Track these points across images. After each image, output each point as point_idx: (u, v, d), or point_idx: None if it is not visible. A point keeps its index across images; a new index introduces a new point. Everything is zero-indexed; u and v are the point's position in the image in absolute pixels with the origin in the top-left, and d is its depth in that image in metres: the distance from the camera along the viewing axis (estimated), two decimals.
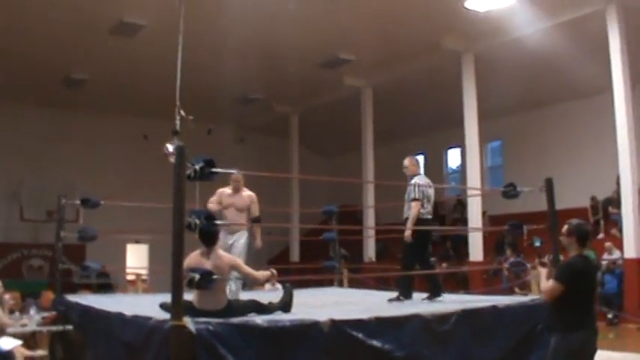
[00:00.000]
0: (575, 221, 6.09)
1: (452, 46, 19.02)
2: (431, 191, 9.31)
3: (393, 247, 21.88)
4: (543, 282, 6.02)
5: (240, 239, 9.25)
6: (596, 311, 6.19)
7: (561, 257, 7.55)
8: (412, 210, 8.94)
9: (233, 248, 8.96)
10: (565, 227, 6.05)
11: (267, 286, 13.84)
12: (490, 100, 19.61)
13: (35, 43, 18.28)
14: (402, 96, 22.84)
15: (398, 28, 17.80)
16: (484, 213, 20.77)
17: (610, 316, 15.60)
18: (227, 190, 9.42)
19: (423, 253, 9.27)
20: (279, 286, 12.14)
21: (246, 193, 9.46)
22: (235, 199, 9.34)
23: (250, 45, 18.71)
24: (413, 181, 9.18)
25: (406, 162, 9.49)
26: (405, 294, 9.01)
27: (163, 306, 6.78)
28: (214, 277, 6.28)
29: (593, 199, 19.46)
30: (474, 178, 19.05)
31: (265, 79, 22.49)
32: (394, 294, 9.17)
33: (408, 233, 8.90)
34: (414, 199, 8.99)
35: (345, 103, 23.58)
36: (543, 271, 6.13)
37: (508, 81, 19.90)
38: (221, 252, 6.86)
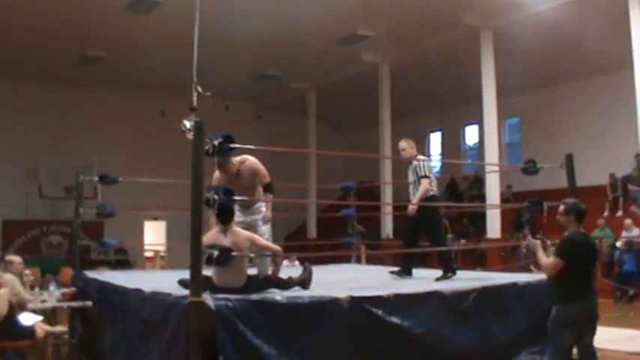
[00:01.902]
0: (571, 200, 6.55)
1: (471, 21, 18.87)
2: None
3: None
4: (543, 258, 6.40)
5: (258, 217, 8.01)
6: (595, 283, 6.52)
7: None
8: (422, 185, 8.81)
9: (252, 228, 7.69)
10: (562, 207, 6.45)
11: (285, 262, 13.85)
12: (508, 76, 19.48)
13: (52, 20, 18.28)
14: (420, 72, 22.70)
15: (416, 3, 17.67)
16: (509, 186, 20.80)
17: (631, 293, 15.54)
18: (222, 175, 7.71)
19: (439, 230, 9.25)
20: (296, 263, 12.13)
21: (245, 165, 7.75)
22: (236, 180, 7.58)
23: (267, 21, 18.66)
24: (419, 159, 9.11)
25: (404, 144, 9.29)
26: (452, 269, 8.89)
27: (182, 282, 6.78)
28: (233, 253, 6.27)
29: (611, 176, 19.32)
30: (492, 155, 18.93)
31: (282, 56, 22.43)
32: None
33: (412, 207, 8.77)
34: (425, 176, 8.90)
35: (362, 80, 23.49)
36: (539, 247, 6.51)
37: (526, 57, 19.77)
38: (238, 228, 6.83)
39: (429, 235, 9.22)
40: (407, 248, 9.21)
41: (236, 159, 7.67)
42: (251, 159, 7.88)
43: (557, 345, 6.29)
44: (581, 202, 6.57)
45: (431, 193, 8.95)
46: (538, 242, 6.58)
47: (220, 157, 7.13)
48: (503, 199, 20.61)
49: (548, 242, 6.87)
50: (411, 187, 9.16)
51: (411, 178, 9.15)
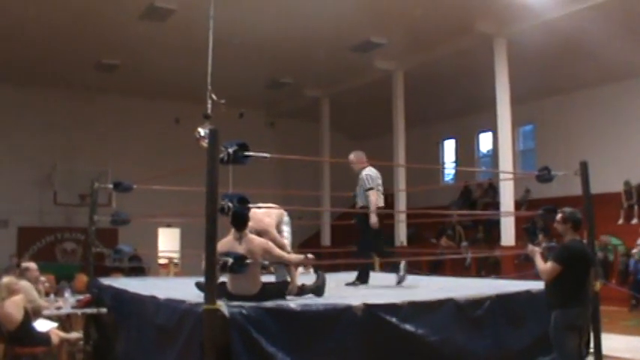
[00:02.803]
0: (568, 209, 6.79)
1: (484, 29, 18.80)
2: (380, 182, 9.68)
3: (424, 231, 21.84)
4: (540, 264, 6.62)
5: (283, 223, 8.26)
6: (590, 291, 6.85)
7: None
8: (371, 198, 9.22)
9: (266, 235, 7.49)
10: (559, 215, 6.75)
11: (300, 269, 13.82)
12: (522, 83, 19.41)
13: (67, 29, 18.37)
14: (434, 80, 22.65)
15: (430, 11, 17.63)
16: (528, 191, 20.77)
17: None
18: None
19: (368, 240, 9.58)
20: (311, 270, 12.12)
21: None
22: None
23: (281, 29, 18.68)
24: (364, 173, 9.53)
25: (352, 157, 9.90)
26: (365, 279, 9.48)
27: (199, 285, 6.78)
28: (247, 261, 6.27)
29: (626, 183, 19.24)
30: (506, 162, 18.84)
31: (296, 63, 22.43)
32: (423, 277, 9.27)
33: (375, 220, 9.11)
34: (370, 189, 9.30)
35: (376, 87, 23.45)
36: (537, 253, 6.78)
37: (540, 64, 19.72)
38: (253, 235, 6.83)
39: (359, 240, 9.81)
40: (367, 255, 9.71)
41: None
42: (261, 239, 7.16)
43: (561, 350, 6.44)
44: (579, 211, 6.87)
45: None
46: (537, 249, 6.81)
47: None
48: (519, 205, 20.53)
49: None
50: (357, 198, 9.69)
51: (358, 189, 9.61)
